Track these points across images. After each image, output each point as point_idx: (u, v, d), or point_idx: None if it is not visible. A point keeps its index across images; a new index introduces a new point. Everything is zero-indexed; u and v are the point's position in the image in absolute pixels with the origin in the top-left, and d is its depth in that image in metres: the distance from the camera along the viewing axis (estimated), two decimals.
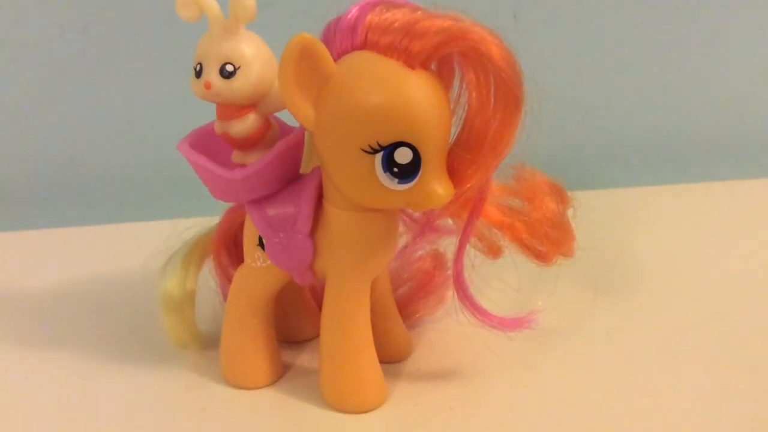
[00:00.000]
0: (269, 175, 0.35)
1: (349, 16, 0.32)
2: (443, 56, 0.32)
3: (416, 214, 0.40)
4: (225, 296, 0.41)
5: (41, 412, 0.38)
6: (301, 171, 0.36)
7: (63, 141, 0.64)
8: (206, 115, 0.37)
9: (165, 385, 0.40)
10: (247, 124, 0.35)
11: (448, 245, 0.40)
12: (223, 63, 0.34)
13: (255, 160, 0.36)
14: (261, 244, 0.37)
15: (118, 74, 0.62)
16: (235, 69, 0.34)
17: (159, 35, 0.61)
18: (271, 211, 0.36)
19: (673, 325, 0.44)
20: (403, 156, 0.31)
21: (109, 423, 0.37)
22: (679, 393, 0.38)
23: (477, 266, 0.37)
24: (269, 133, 0.36)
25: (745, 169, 0.65)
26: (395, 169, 0.31)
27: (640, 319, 0.44)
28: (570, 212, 0.38)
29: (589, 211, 0.38)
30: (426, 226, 0.40)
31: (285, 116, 0.35)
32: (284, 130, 0.37)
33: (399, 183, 0.32)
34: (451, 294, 0.38)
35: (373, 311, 0.37)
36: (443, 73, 0.33)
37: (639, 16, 0.64)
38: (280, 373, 0.40)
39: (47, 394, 0.40)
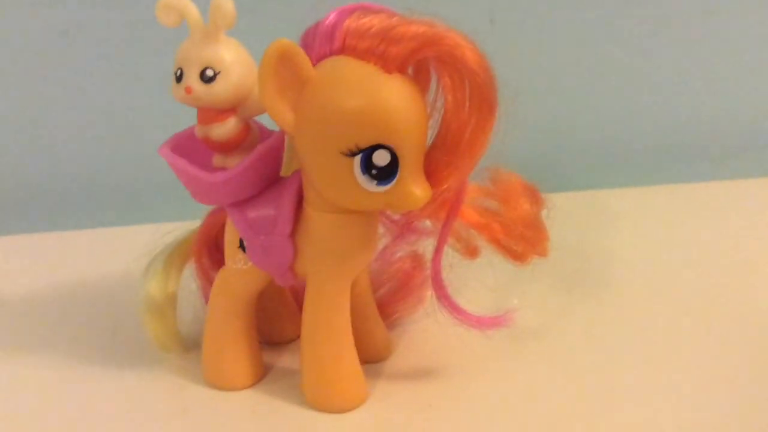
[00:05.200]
0: (250, 178, 0.36)
1: (327, 22, 0.32)
2: (419, 61, 0.32)
3: (395, 216, 0.40)
4: (206, 299, 0.42)
5: (23, 416, 0.38)
6: (282, 174, 0.36)
7: (42, 146, 0.64)
8: (187, 119, 0.38)
9: (147, 388, 0.40)
10: (227, 127, 0.35)
11: (426, 246, 0.41)
12: (203, 68, 0.34)
13: (235, 163, 0.36)
14: (242, 246, 0.37)
15: (99, 79, 0.62)
16: (215, 74, 0.34)
17: (141, 40, 0.61)
18: (252, 213, 0.36)
19: (646, 322, 0.44)
20: (381, 158, 0.32)
21: (91, 425, 0.37)
22: (655, 388, 0.38)
23: (455, 266, 0.37)
24: (249, 136, 0.36)
25: (719, 170, 0.66)
26: (374, 171, 0.32)
27: (614, 316, 0.45)
28: (544, 213, 0.38)
29: (563, 212, 0.39)
30: (405, 227, 0.40)
31: (265, 120, 0.36)
32: (264, 133, 0.38)
33: (377, 185, 0.32)
34: (430, 294, 0.38)
35: (353, 312, 0.37)
36: (419, 77, 0.34)
37: (613, 19, 0.65)
38: (262, 375, 0.40)
39: (29, 398, 0.40)
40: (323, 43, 0.32)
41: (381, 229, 0.40)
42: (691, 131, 0.69)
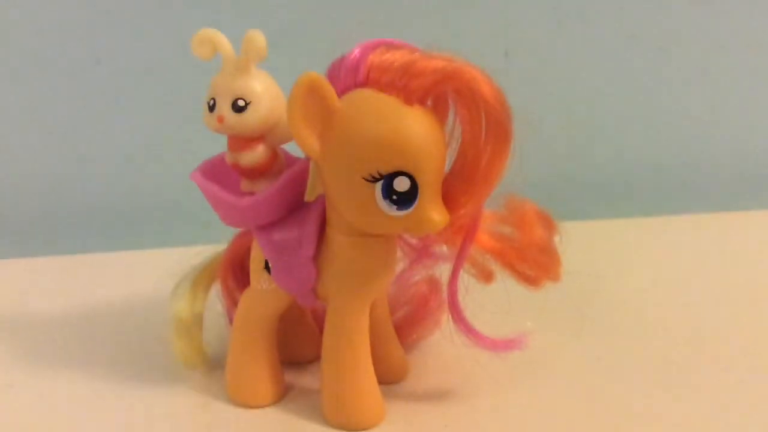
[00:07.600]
0: (276, 202, 0.37)
1: (352, 56, 0.34)
2: (438, 93, 0.34)
3: (413, 240, 0.41)
4: (231, 319, 0.43)
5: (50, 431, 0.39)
6: (306, 199, 0.38)
7: (77, 170, 0.66)
8: (217, 146, 0.39)
9: (173, 404, 0.41)
10: (256, 154, 0.37)
11: (443, 271, 0.41)
12: (235, 98, 0.36)
13: (263, 188, 0.37)
14: (267, 268, 0.39)
15: (131, 106, 0.64)
16: (246, 104, 0.36)
17: (172, 69, 0.63)
18: (277, 235, 0.38)
19: (659, 348, 0.45)
20: (401, 184, 0.33)
21: None
22: (668, 413, 0.39)
23: (470, 290, 0.38)
24: (276, 163, 0.38)
25: (731, 201, 0.67)
26: (394, 197, 0.33)
27: (626, 341, 0.46)
28: (557, 239, 0.39)
29: (576, 239, 0.39)
30: (422, 251, 0.41)
31: (292, 148, 0.37)
32: (290, 160, 0.39)
33: (397, 210, 0.34)
34: (446, 317, 0.39)
35: (371, 334, 0.38)
36: (438, 109, 0.35)
37: (624, 54, 0.66)
38: (283, 393, 0.41)
39: (60, 414, 0.41)
40: (348, 76, 0.34)
41: (399, 254, 0.41)
42: (706, 162, 0.70)
